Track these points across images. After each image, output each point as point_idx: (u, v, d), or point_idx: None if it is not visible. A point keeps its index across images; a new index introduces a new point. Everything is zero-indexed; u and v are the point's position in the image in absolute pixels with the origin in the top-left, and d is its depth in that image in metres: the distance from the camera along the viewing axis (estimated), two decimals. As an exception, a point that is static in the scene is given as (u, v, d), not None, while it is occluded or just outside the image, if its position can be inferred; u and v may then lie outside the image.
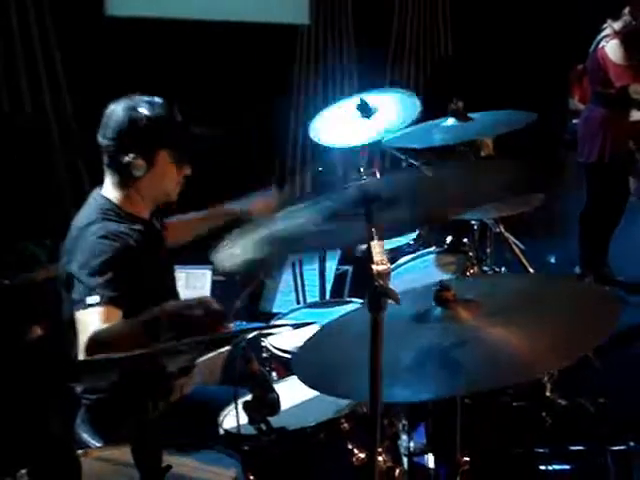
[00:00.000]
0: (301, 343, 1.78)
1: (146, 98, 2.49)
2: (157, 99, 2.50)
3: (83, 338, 2.20)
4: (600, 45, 4.82)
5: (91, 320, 2.23)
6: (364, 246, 2.66)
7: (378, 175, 2.85)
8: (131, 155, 2.42)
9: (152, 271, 2.48)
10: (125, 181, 2.49)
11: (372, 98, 3.25)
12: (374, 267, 1.52)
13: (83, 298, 2.27)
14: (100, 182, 2.56)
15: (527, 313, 1.65)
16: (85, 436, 2.49)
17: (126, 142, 2.43)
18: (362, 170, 3.00)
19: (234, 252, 1.66)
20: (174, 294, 2.71)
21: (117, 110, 2.46)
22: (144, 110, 2.44)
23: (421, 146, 3.03)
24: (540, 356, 1.51)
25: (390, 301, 1.52)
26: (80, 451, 1.98)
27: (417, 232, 3.31)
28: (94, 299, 2.24)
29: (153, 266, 2.51)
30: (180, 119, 2.53)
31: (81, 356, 2.18)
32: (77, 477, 1.66)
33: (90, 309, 2.24)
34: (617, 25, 4.77)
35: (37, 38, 5.18)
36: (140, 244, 2.46)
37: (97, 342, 2.15)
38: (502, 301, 1.72)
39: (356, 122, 3.20)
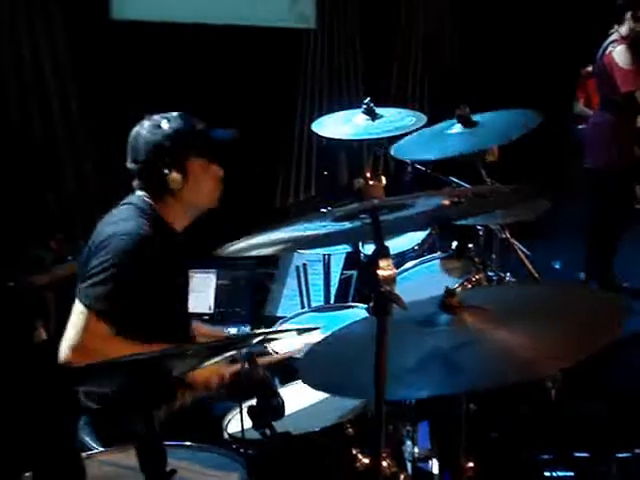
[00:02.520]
0: (306, 347, 1.78)
1: (165, 114, 2.56)
2: (175, 113, 2.57)
3: (72, 335, 2.34)
4: (607, 50, 4.81)
5: (82, 323, 2.35)
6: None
7: (384, 180, 2.85)
8: (165, 171, 2.50)
9: (167, 286, 2.53)
10: (165, 196, 2.55)
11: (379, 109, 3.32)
12: (380, 272, 1.51)
13: (85, 290, 2.36)
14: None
15: (532, 318, 1.65)
16: (88, 439, 2.48)
17: (158, 159, 2.50)
18: (368, 175, 3.00)
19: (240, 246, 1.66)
20: (185, 312, 2.76)
21: (141, 132, 2.54)
22: (167, 125, 2.52)
23: (435, 157, 3.02)
24: (544, 356, 1.51)
25: (396, 306, 1.51)
26: (84, 454, 1.99)
27: (424, 236, 3.31)
28: (89, 301, 2.35)
29: (170, 280, 2.56)
30: (202, 126, 2.59)
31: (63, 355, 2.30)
32: (81, 480, 1.66)
33: (86, 310, 2.35)
34: (623, 30, 4.77)
35: (45, 42, 5.19)
36: (163, 256, 2.50)
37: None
38: (508, 307, 1.72)
39: (361, 122, 3.26)
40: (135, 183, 2.58)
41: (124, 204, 2.58)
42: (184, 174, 2.52)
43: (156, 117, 2.56)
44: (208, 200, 2.63)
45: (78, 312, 2.37)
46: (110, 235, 2.43)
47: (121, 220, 2.49)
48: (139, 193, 2.58)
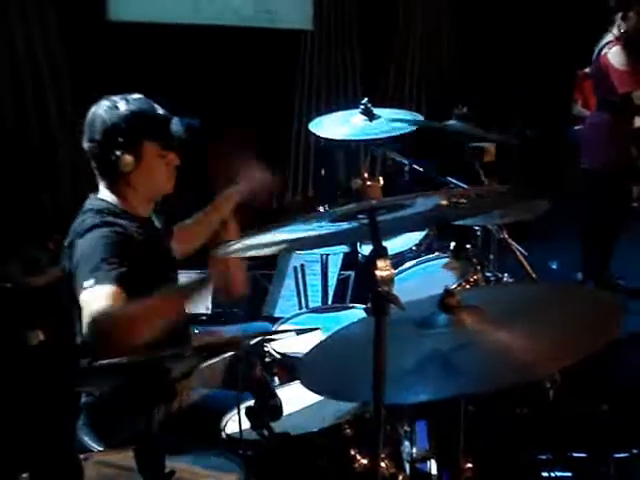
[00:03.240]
0: (304, 348, 1.77)
1: (124, 95, 2.51)
2: (135, 94, 2.53)
3: (85, 319, 2.17)
4: (602, 52, 4.82)
5: (92, 300, 2.19)
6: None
7: (381, 181, 2.85)
8: (118, 152, 2.44)
9: (151, 270, 2.44)
10: (117, 180, 2.51)
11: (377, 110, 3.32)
12: (377, 272, 1.51)
13: (81, 283, 2.24)
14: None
15: (531, 318, 1.65)
16: (86, 439, 2.48)
17: (112, 140, 2.45)
18: (365, 176, 3.00)
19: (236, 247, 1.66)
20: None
21: (98, 112, 2.49)
22: (124, 106, 2.47)
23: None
24: (542, 357, 1.50)
25: (394, 307, 1.52)
26: (82, 455, 1.98)
27: (421, 237, 3.31)
28: (90, 282, 2.22)
29: (153, 265, 2.48)
30: (162, 111, 2.55)
31: (85, 336, 2.14)
32: (79, 481, 1.66)
33: (90, 290, 2.21)
34: (616, 31, 4.78)
35: (40, 43, 5.18)
36: (140, 240, 2.46)
37: (111, 321, 2.11)
38: (506, 307, 1.72)
39: (359, 122, 3.26)
40: (94, 164, 2.53)
41: (84, 207, 2.52)
42: (137, 157, 2.47)
43: (115, 97, 2.50)
44: (161, 187, 2.58)
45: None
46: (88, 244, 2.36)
47: (88, 223, 2.42)
48: (99, 194, 2.54)
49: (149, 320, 2.13)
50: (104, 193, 2.54)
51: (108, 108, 2.48)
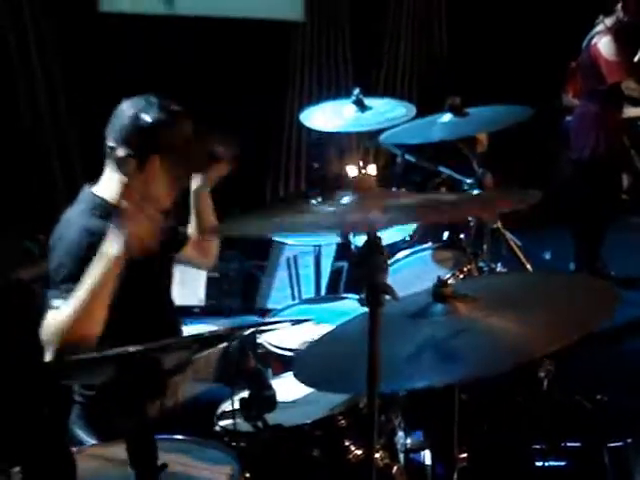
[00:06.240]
0: (297, 339, 1.77)
1: (158, 101, 2.43)
2: (171, 105, 2.45)
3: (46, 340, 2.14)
4: (593, 41, 4.82)
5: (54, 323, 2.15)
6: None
7: (374, 171, 2.84)
8: (125, 152, 2.38)
9: (138, 273, 2.32)
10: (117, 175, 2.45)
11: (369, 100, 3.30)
12: (371, 263, 1.50)
13: (52, 300, 2.21)
14: (93, 178, 2.53)
15: (525, 305, 1.66)
16: (80, 433, 2.47)
17: (124, 140, 2.38)
18: (360, 164, 2.99)
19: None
20: (168, 296, 2.70)
21: (125, 108, 2.42)
22: (149, 113, 2.40)
23: (419, 142, 3.03)
24: (536, 339, 1.51)
25: (388, 297, 1.51)
26: (74, 449, 1.97)
27: (415, 227, 3.30)
28: (59, 302, 2.18)
29: (140, 267, 2.35)
30: (188, 130, 2.47)
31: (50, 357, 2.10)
32: (71, 475, 1.65)
33: (56, 312, 2.17)
34: (609, 21, 4.78)
35: (32, 35, 5.16)
36: None
37: (64, 333, 2.09)
38: (500, 296, 1.72)
39: (351, 114, 3.24)
40: (106, 156, 2.47)
41: (77, 199, 2.48)
42: (141, 165, 2.39)
43: (149, 99, 2.43)
44: (155, 200, 2.46)
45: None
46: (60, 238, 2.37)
47: (73, 220, 2.40)
48: (97, 186, 2.48)
49: (93, 305, 2.12)
50: (103, 185, 2.47)
51: (134, 108, 2.41)
